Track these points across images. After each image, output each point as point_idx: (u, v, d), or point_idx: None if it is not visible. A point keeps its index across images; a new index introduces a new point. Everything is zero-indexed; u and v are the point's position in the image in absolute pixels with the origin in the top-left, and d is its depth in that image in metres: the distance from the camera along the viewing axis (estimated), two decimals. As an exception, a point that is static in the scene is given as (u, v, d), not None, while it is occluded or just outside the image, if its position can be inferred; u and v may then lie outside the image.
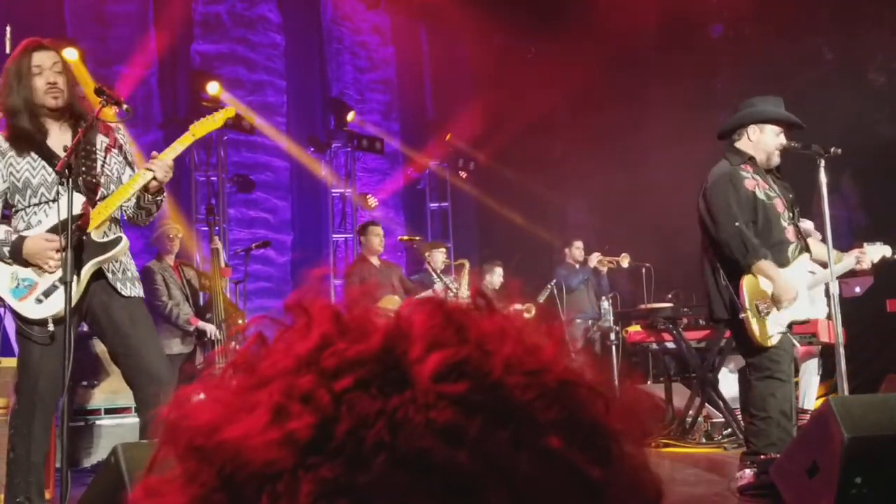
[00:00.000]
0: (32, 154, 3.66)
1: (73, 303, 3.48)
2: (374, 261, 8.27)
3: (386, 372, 0.55)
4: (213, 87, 9.68)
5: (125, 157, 3.88)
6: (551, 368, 0.58)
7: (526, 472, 0.54)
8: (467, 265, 9.00)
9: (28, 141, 3.65)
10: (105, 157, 3.79)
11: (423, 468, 0.52)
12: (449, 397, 0.54)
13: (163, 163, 3.69)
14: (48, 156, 3.64)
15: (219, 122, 3.99)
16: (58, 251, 3.54)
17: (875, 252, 4.81)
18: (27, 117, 3.65)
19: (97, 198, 3.71)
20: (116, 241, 3.72)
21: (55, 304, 3.56)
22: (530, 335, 0.60)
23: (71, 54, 6.91)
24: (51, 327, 3.54)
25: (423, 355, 0.56)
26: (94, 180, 3.71)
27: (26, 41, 3.75)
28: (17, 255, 3.58)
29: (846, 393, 4.49)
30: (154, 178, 3.68)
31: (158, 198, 3.81)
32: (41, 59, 3.66)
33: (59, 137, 3.72)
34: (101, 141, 3.80)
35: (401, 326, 0.58)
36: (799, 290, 4.56)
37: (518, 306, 8.75)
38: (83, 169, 3.68)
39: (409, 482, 0.52)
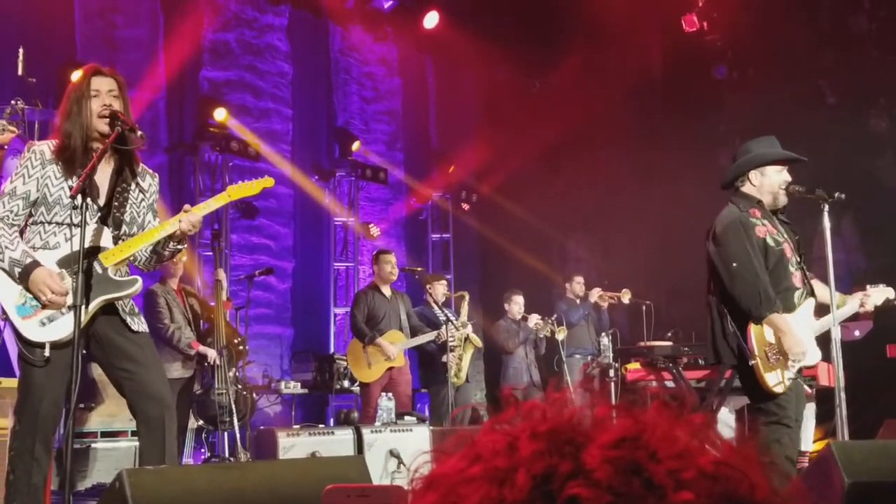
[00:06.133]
0: (73, 177, 3.66)
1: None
2: (385, 290, 8.22)
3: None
4: (220, 114, 9.76)
5: (151, 204, 3.92)
6: (709, 454, 0.69)
7: None
8: (467, 297, 9.00)
9: (73, 165, 3.66)
10: (136, 199, 3.84)
11: None
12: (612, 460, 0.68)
13: (195, 218, 3.77)
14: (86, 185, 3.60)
15: (256, 190, 4.07)
16: (55, 293, 3.53)
17: (878, 294, 4.75)
18: (81, 145, 3.68)
19: (120, 233, 3.76)
20: (133, 281, 3.76)
21: (58, 330, 3.55)
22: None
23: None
24: (47, 353, 3.53)
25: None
26: (120, 217, 3.76)
27: (87, 66, 3.83)
28: (24, 278, 3.57)
29: (846, 437, 4.46)
30: (181, 230, 3.75)
31: (179, 246, 3.88)
32: (99, 83, 3.72)
33: (103, 169, 3.75)
34: (135, 182, 3.84)
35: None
36: (805, 339, 4.46)
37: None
38: (115, 204, 3.73)
39: None
